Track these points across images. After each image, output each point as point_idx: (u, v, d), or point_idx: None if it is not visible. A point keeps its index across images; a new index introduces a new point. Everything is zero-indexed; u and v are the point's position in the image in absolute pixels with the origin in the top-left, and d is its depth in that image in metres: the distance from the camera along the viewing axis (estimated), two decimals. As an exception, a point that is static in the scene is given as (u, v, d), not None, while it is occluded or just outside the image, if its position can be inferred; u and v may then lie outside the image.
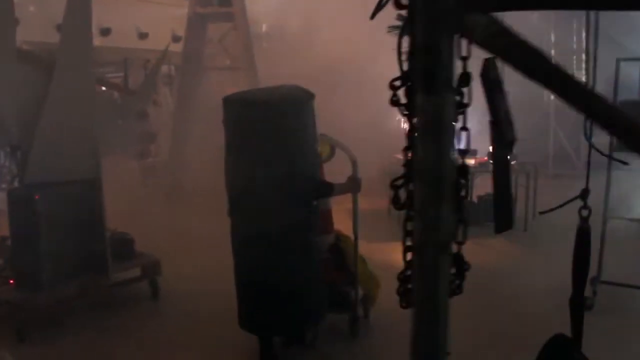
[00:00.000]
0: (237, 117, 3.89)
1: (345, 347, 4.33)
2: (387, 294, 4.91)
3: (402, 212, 1.55)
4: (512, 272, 6.12)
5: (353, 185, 4.29)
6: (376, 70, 10.96)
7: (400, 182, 1.60)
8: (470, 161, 7.90)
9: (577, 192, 2.23)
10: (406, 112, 1.53)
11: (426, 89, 1.37)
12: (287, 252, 3.84)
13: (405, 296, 1.61)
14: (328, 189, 4.01)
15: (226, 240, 5.44)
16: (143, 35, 10.82)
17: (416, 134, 1.44)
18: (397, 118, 11.08)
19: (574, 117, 13.07)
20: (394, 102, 1.55)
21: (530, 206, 7.81)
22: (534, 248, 7.01)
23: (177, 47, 10.57)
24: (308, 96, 3.91)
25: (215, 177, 9.79)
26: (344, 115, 8.89)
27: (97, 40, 8.58)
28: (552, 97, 13.18)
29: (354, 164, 4.34)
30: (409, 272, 1.62)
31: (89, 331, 4.63)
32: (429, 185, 1.41)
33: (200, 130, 10.34)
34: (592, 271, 5.31)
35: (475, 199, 8.35)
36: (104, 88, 10.65)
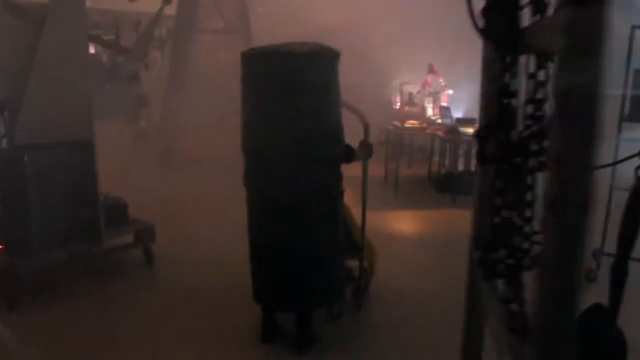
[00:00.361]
0: (264, 71, 3.48)
1: (350, 318, 4.23)
2: (384, 263, 4.86)
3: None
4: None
5: (366, 150, 4.05)
6: (374, 36, 10.81)
7: (485, 132, 1.32)
8: (469, 130, 7.77)
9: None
10: (502, 43, 1.27)
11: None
12: (318, 221, 3.60)
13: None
14: (352, 154, 3.71)
15: (220, 207, 5.25)
16: (134, -3, 10.46)
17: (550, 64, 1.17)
18: (397, 84, 10.90)
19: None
20: (484, 32, 1.29)
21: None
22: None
23: (169, 10, 10.27)
24: (335, 52, 3.59)
25: (209, 142, 9.66)
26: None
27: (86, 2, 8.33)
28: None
29: (367, 128, 4.11)
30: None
31: (81, 298, 4.49)
32: (575, 124, 1.12)
33: (193, 94, 10.15)
34: (596, 243, 5.23)
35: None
36: (92, 51, 10.38)
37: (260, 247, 3.75)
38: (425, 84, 10.00)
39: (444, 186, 7.99)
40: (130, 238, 5.22)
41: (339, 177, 3.68)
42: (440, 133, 7.89)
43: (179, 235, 5.94)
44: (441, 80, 9.88)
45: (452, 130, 7.75)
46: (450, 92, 9.95)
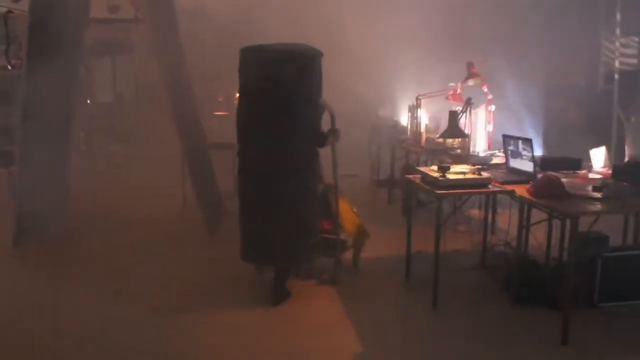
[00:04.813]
0: (259, 65, 4.20)
1: (329, 288, 4.61)
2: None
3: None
4: None
5: (334, 136, 4.54)
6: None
7: None
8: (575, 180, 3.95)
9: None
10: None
11: None
12: (294, 190, 4.27)
13: None
14: (324, 139, 4.39)
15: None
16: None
17: None
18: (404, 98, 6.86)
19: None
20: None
21: None
22: None
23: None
24: (319, 52, 4.32)
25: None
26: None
27: None
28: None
29: (333, 117, 4.51)
30: None
31: None
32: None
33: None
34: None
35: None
36: None
37: (245, 209, 4.45)
38: (454, 95, 6.04)
39: (524, 292, 4.08)
40: None
41: (317, 157, 4.39)
42: (525, 194, 3.94)
43: None
44: (485, 88, 5.96)
45: (553, 188, 3.81)
46: (492, 108, 6.02)
